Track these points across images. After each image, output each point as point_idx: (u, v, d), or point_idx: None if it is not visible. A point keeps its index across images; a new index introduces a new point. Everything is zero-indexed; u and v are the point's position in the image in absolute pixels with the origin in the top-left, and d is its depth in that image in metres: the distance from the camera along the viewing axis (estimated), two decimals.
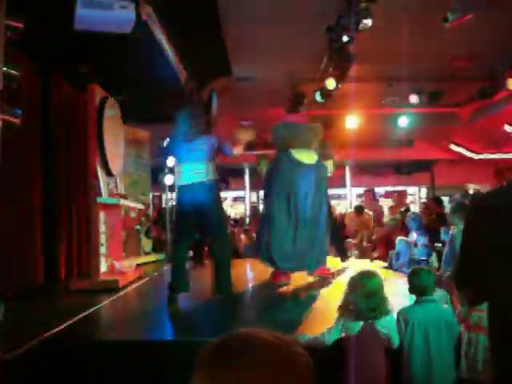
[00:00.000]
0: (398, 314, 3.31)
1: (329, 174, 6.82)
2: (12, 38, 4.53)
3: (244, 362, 0.87)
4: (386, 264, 8.01)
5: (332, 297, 5.17)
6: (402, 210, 10.08)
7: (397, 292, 6.11)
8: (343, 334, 3.14)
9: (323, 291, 5.90)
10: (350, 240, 9.90)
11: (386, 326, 3.11)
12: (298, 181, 6.36)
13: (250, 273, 8.30)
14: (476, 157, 15.99)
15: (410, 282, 3.39)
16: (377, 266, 7.84)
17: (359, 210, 10.67)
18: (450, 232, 5.90)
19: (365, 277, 3.17)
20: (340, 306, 3.19)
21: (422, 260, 7.03)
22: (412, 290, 3.38)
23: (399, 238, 7.91)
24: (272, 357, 0.89)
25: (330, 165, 6.85)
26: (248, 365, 0.87)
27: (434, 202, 9.53)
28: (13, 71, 4.54)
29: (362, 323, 3.06)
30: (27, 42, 5.06)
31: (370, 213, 10.54)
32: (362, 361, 2.99)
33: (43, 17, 5.48)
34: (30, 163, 6.80)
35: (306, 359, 0.93)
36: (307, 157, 6.50)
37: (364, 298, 3.05)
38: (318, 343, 3.18)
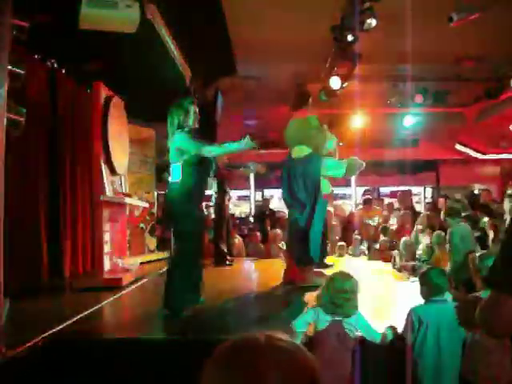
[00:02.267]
0: (410, 312, 3.33)
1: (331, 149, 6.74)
2: (18, 37, 4.55)
3: (262, 364, 0.88)
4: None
5: None
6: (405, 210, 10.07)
7: (398, 293, 6.14)
8: (310, 328, 3.21)
9: None
10: (358, 237, 9.91)
11: (353, 326, 3.16)
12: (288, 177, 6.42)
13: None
14: (482, 157, 15.94)
15: (422, 281, 3.40)
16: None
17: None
18: (448, 230, 5.92)
19: (339, 276, 3.30)
20: (316, 297, 3.29)
21: (424, 260, 7.03)
22: (423, 290, 3.40)
23: (403, 238, 7.92)
24: (288, 362, 0.91)
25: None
26: (265, 368, 0.88)
27: (443, 200, 9.53)
28: (18, 70, 4.56)
29: (329, 318, 3.13)
30: (33, 40, 5.09)
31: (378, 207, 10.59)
32: (326, 358, 3.03)
33: (49, 15, 5.50)
34: (36, 161, 6.83)
35: (316, 366, 0.95)
36: (297, 151, 6.47)
37: (332, 293, 3.14)
38: (288, 331, 3.21)
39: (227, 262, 8.72)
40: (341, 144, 7.36)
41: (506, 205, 7.24)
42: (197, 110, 5.02)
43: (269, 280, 7.11)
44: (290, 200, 6.51)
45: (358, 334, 3.20)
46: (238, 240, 10.52)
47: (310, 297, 5.55)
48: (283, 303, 5.55)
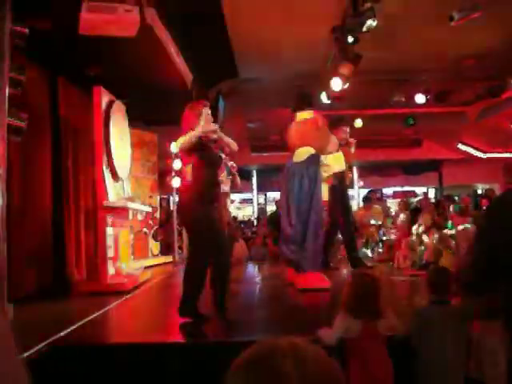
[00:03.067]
0: (415, 313, 3.32)
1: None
2: (18, 43, 4.56)
3: (286, 370, 0.87)
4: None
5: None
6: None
7: (403, 293, 6.13)
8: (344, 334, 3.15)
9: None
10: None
11: (384, 325, 3.12)
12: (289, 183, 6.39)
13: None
14: (484, 156, 15.93)
15: (428, 281, 3.39)
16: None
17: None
18: (460, 227, 5.91)
19: (361, 277, 3.24)
20: (342, 304, 3.22)
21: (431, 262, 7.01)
22: (429, 290, 3.38)
23: (407, 239, 7.90)
24: (313, 369, 0.89)
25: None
26: (289, 374, 0.86)
27: (446, 200, 9.52)
28: (19, 76, 4.57)
29: (360, 322, 3.08)
30: (33, 46, 5.10)
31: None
32: (368, 362, 3.00)
33: (49, 22, 5.52)
34: (38, 167, 6.84)
35: (341, 375, 0.94)
36: (298, 154, 6.42)
37: (358, 297, 3.08)
38: (323, 343, 3.18)
39: None
40: (342, 144, 7.34)
41: None
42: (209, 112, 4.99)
43: (271, 282, 7.11)
44: (286, 204, 6.46)
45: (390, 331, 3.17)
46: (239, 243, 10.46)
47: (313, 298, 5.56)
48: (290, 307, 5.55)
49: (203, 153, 4.81)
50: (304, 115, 6.59)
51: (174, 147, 4.91)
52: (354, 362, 3.03)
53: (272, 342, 0.93)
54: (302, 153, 6.35)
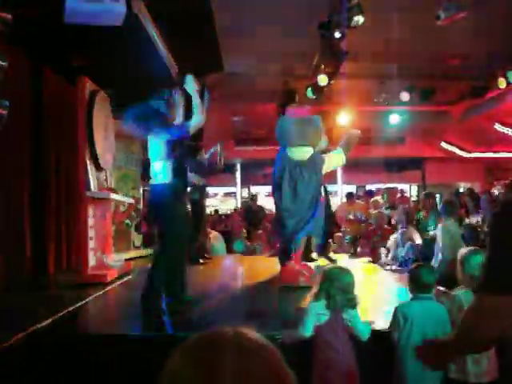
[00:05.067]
0: (396, 309, 3.34)
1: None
2: (1, 29, 4.50)
3: (223, 364, 0.85)
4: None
5: None
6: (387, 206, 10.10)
7: (385, 288, 6.17)
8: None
9: None
10: (340, 234, 9.89)
11: (353, 318, 3.16)
12: (297, 183, 6.24)
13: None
14: (467, 155, 16.07)
15: (411, 278, 3.42)
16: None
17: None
18: (438, 227, 5.95)
19: (342, 271, 3.26)
20: (314, 294, 3.24)
21: (409, 258, 7.07)
22: (412, 287, 3.41)
23: (392, 235, 7.96)
24: (253, 364, 0.87)
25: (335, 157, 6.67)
26: (226, 369, 0.84)
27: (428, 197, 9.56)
28: (1, 62, 4.51)
29: (330, 312, 3.12)
30: (17, 34, 5.03)
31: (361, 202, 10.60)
32: (333, 351, 3.03)
33: (34, 9, 5.44)
34: (19, 156, 6.76)
35: (286, 372, 0.91)
36: (301, 153, 6.25)
37: (340, 290, 3.10)
38: (299, 337, 3.21)
39: (201, 261, 8.51)
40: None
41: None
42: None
43: (254, 277, 7.11)
44: (290, 203, 6.36)
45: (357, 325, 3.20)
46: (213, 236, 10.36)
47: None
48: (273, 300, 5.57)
49: (176, 145, 4.82)
50: (302, 112, 6.52)
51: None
52: (317, 354, 3.07)
53: (217, 332, 0.92)
54: (302, 151, 6.19)
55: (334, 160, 6.56)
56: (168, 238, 4.84)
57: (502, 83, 8.97)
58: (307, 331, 3.13)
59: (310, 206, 6.15)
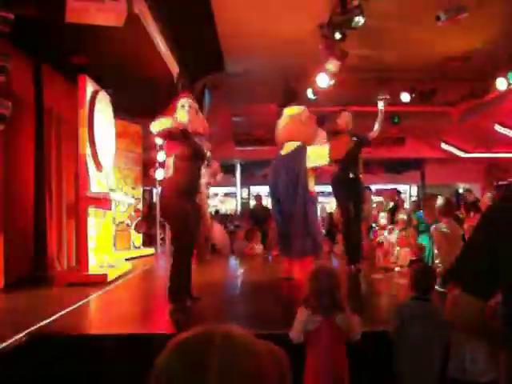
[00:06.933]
0: (395, 309, 3.35)
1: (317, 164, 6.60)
2: (3, 29, 4.51)
3: (209, 366, 0.85)
4: None
5: None
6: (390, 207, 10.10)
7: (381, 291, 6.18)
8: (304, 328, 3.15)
9: None
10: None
11: (345, 320, 3.11)
12: (276, 175, 6.44)
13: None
14: (466, 156, 16.08)
15: (412, 278, 3.43)
16: None
17: None
18: (432, 227, 5.96)
19: (320, 273, 3.18)
20: (303, 300, 3.20)
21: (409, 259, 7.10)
22: (412, 286, 3.42)
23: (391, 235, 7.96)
24: (239, 366, 0.87)
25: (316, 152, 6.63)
26: (211, 370, 0.85)
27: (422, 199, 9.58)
28: (3, 63, 4.52)
29: (320, 318, 3.08)
30: (19, 33, 5.04)
31: None
32: (323, 356, 3.01)
33: (35, 8, 5.45)
34: (21, 155, 6.77)
35: (274, 373, 0.93)
36: (286, 147, 6.48)
37: (321, 293, 3.07)
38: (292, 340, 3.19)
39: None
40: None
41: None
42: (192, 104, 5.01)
43: (257, 276, 7.13)
44: (274, 196, 6.52)
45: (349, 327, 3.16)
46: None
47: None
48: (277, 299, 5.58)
49: (186, 145, 4.82)
50: (291, 110, 6.65)
51: (152, 128, 4.89)
52: (310, 358, 3.04)
53: (205, 331, 0.92)
54: (289, 146, 6.40)
55: (315, 152, 6.51)
56: (175, 237, 4.94)
57: (501, 84, 8.96)
58: (297, 336, 3.12)
59: (292, 196, 6.24)
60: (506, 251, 1.49)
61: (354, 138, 7.29)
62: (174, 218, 4.82)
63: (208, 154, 7.72)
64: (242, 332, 0.92)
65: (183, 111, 4.93)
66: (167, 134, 4.81)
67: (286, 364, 1.00)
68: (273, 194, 6.59)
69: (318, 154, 6.37)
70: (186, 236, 4.78)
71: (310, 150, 6.36)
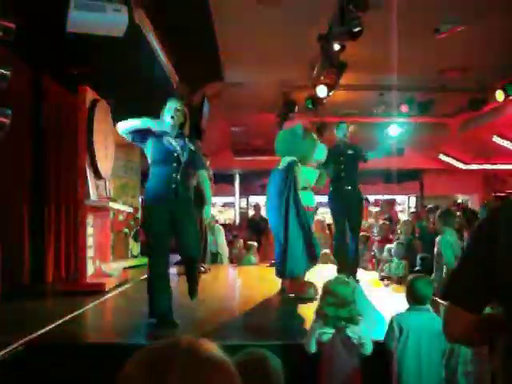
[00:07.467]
0: (392, 320, 3.35)
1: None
2: (4, 38, 4.52)
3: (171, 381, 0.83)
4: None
5: None
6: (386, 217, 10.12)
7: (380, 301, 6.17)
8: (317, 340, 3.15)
9: None
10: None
11: (357, 333, 3.12)
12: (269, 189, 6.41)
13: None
14: (465, 167, 16.11)
15: (409, 289, 3.43)
16: None
17: None
18: (437, 239, 5.95)
19: (337, 285, 3.20)
20: (316, 312, 3.22)
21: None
22: (408, 298, 3.42)
23: (387, 246, 7.96)
24: (218, 375, 0.86)
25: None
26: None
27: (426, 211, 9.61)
28: (4, 71, 4.53)
29: (333, 330, 3.08)
30: (19, 42, 5.05)
31: None
32: (335, 368, 3.01)
33: (36, 18, 5.47)
34: (20, 164, 6.78)
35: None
36: (282, 162, 6.38)
37: (334, 306, 3.07)
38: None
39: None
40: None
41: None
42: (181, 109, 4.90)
43: (252, 287, 7.10)
44: (267, 211, 6.51)
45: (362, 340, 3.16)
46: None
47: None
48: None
49: (154, 148, 4.68)
50: (290, 124, 6.63)
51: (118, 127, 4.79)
52: (322, 369, 3.05)
53: (170, 344, 0.90)
54: (284, 160, 6.35)
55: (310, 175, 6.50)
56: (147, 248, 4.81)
57: (500, 96, 8.99)
58: (311, 348, 3.12)
59: (280, 209, 6.14)
60: (504, 265, 1.48)
61: (350, 151, 7.23)
62: (142, 225, 4.72)
63: (211, 172, 7.66)
64: (207, 346, 0.90)
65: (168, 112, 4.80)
66: (132, 134, 4.73)
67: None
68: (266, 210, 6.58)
69: (318, 177, 6.43)
70: (154, 244, 4.63)
71: (310, 171, 6.40)
